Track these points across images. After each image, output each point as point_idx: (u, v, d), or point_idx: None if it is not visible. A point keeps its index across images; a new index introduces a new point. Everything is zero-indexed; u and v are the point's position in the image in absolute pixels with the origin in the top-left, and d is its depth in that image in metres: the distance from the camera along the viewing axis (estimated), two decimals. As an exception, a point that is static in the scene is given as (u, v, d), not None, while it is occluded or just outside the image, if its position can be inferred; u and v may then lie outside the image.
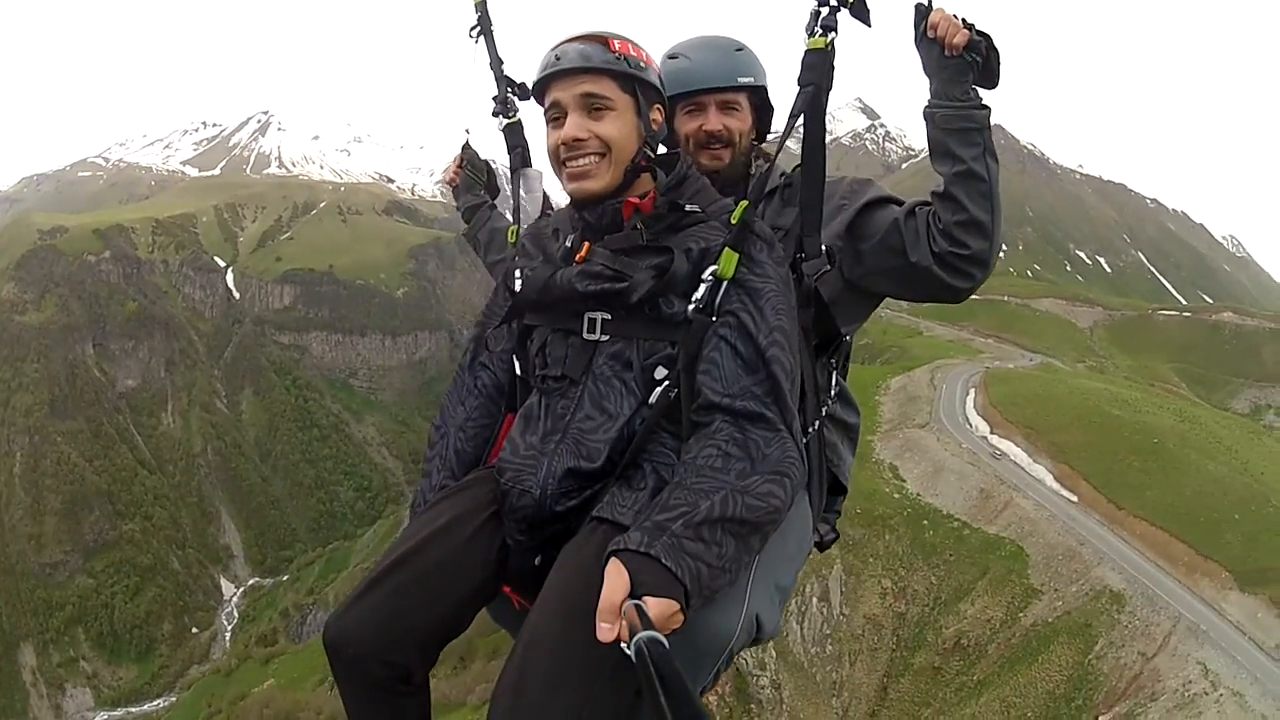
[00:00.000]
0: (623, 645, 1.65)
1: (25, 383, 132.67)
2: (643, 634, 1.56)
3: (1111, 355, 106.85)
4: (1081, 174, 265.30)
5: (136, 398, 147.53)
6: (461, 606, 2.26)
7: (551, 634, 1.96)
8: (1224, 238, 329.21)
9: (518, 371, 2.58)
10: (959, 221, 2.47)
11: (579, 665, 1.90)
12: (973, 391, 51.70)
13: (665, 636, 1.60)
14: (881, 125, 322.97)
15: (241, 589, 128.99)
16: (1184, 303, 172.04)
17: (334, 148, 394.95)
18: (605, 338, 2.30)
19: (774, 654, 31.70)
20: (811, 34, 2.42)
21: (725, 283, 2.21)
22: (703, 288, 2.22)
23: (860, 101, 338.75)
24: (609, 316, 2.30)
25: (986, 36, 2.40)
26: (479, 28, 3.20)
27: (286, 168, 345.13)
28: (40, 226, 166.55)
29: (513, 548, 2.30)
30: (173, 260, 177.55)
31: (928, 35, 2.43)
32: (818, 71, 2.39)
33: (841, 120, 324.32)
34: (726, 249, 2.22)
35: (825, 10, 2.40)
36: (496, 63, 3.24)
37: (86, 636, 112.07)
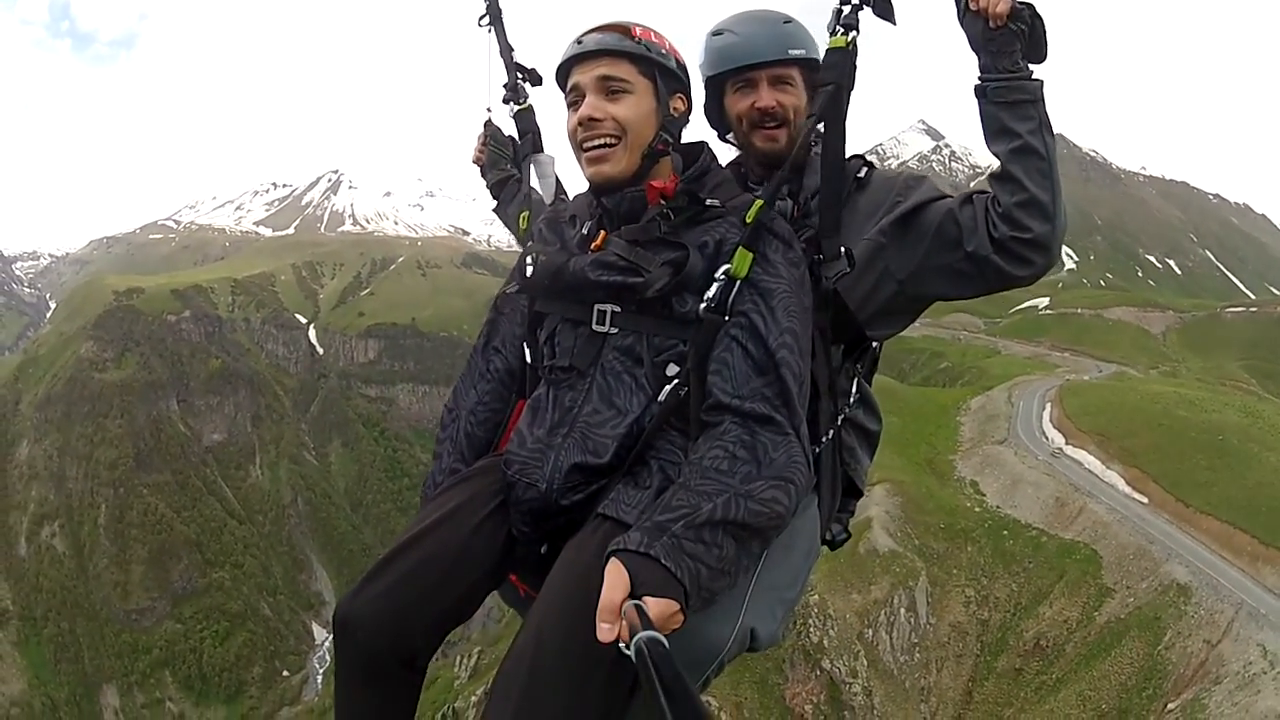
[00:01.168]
0: (622, 645, 1.63)
1: (108, 437, 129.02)
2: (643, 634, 1.53)
3: (1184, 359, 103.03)
4: (1144, 176, 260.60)
5: (223, 451, 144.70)
6: (468, 592, 2.25)
7: (552, 632, 1.92)
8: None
9: (528, 359, 2.57)
10: (1019, 202, 2.33)
11: (579, 664, 1.86)
12: (1048, 405, 51.86)
13: (665, 637, 1.55)
14: (946, 145, 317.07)
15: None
16: (1252, 297, 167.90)
17: (406, 203, 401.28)
18: (614, 331, 2.28)
19: (865, 662, 32.26)
20: (833, 32, 2.41)
21: (738, 282, 2.19)
22: (715, 286, 2.19)
23: (924, 123, 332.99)
24: (618, 309, 2.28)
25: (1029, 5, 2.30)
26: (488, 15, 3.20)
27: (361, 225, 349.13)
28: (115, 287, 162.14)
29: (518, 537, 2.30)
30: (254, 318, 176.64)
31: (970, 9, 2.34)
32: (838, 70, 2.38)
33: (907, 144, 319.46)
34: (740, 248, 2.20)
35: (847, 9, 2.40)
36: (506, 50, 3.24)
37: (174, 679, 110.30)
